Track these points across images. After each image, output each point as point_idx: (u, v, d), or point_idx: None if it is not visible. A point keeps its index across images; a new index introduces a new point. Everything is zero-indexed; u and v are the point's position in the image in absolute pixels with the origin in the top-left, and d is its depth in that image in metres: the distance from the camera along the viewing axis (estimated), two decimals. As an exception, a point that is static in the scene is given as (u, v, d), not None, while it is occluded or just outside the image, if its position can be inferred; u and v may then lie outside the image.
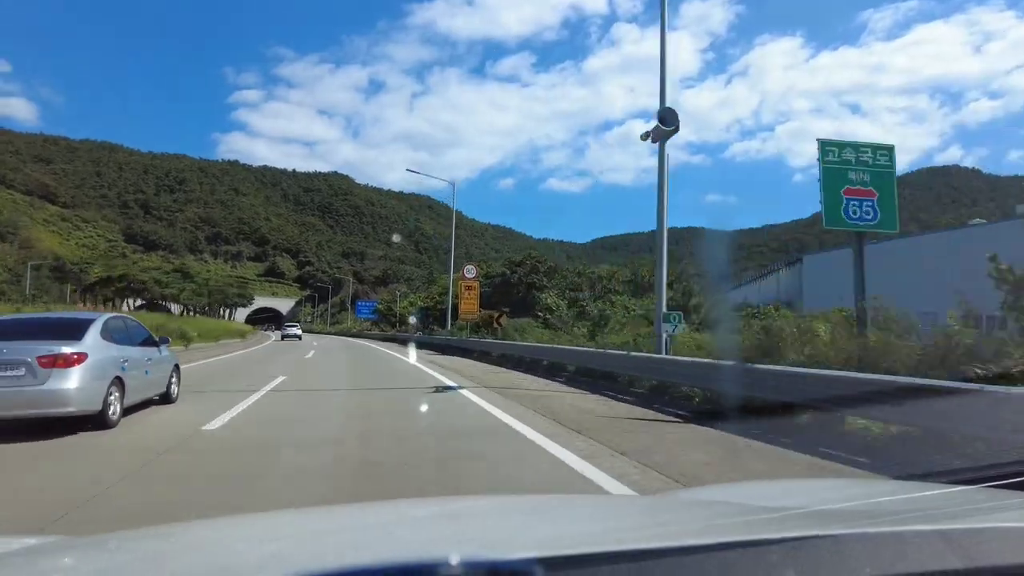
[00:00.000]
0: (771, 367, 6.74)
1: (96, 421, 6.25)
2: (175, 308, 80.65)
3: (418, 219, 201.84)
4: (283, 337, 44.52)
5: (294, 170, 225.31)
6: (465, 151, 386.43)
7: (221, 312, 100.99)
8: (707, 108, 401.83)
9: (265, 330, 67.94)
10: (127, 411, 7.05)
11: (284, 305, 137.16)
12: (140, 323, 8.47)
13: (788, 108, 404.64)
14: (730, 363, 7.27)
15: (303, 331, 54.98)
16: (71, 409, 5.98)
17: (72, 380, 5.96)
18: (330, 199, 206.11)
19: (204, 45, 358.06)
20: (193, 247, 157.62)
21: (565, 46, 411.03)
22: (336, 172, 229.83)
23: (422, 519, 1.61)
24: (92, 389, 6.36)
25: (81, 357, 6.08)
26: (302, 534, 1.43)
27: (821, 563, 0.96)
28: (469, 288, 28.23)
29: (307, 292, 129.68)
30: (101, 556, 1.26)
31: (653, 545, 1.02)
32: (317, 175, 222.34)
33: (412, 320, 44.97)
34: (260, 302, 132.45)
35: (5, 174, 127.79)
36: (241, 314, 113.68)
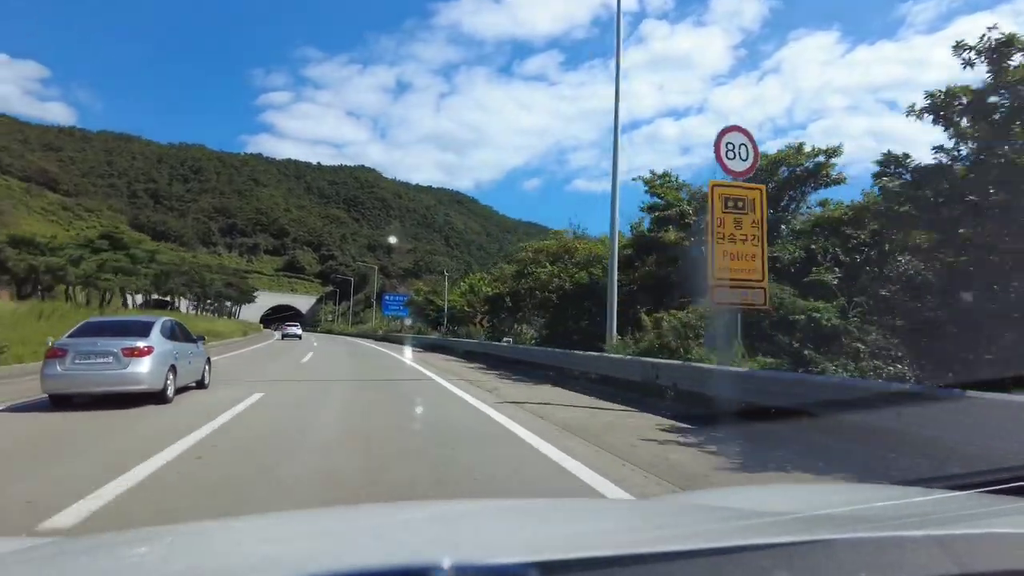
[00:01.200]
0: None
1: (158, 397, 8.96)
2: (183, 305, 78.60)
3: (447, 213, 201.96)
4: (283, 336, 47.72)
5: (319, 163, 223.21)
6: (491, 152, 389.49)
7: (231, 310, 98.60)
8: (738, 106, 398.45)
9: (275, 330, 66.53)
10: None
11: (304, 303, 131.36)
12: (183, 324, 11.01)
13: (822, 105, 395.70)
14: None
15: (322, 331, 60.47)
16: (143, 387, 8.65)
17: (144, 366, 8.64)
18: (356, 192, 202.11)
19: (234, 47, 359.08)
20: (206, 239, 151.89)
21: (594, 44, 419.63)
22: (362, 166, 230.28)
23: (416, 522, 1.64)
24: (157, 373, 9.16)
25: (150, 349, 8.76)
26: (296, 536, 1.46)
27: (815, 568, 0.96)
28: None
29: (329, 288, 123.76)
30: (98, 557, 1.28)
31: (647, 550, 1.03)
32: (343, 168, 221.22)
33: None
34: (277, 299, 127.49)
35: (2, 159, 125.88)
36: (248, 312, 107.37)
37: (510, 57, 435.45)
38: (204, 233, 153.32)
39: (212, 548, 1.35)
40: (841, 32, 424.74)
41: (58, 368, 8.53)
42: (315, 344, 35.74)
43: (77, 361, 8.60)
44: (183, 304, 77.97)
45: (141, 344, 8.90)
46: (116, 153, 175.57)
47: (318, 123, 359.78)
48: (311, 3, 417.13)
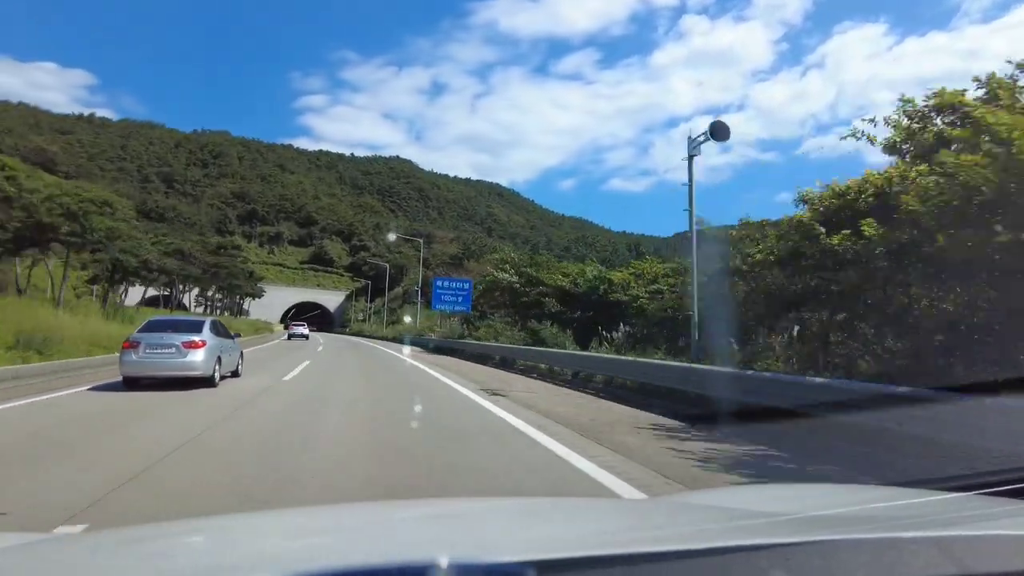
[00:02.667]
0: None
1: (207, 382, 11.79)
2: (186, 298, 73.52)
3: (489, 205, 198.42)
4: (290, 337, 49.51)
5: (352, 154, 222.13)
6: (527, 152, 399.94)
7: (239, 306, 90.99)
8: (779, 103, 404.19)
9: (287, 328, 62.40)
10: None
11: (331, 299, 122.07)
12: (223, 323, 13.50)
13: (868, 101, 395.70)
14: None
15: (351, 333, 59.29)
16: (198, 373, 11.24)
17: (200, 356, 11.10)
18: (391, 182, 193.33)
19: (272, 50, 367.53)
20: (221, 227, 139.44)
21: (631, 41, 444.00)
22: (397, 156, 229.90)
23: (415, 520, 1.69)
24: (208, 362, 12.22)
25: (204, 343, 11.34)
26: (296, 534, 1.51)
27: (813, 569, 0.98)
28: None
29: (360, 283, 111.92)
30: (98, 554, 1.32)
31: (645, 549, 1.05)
32: (377, 159, 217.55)
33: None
34: (300, 295, 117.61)
35: (3, 141, 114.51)
36: (265, 310, 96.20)
37: (546, 56, 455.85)
38: (220, 220, 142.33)
39: (210, 545, 1.42)
40: (889, 24, 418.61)
41: (133, 356, 10.95)
42: (319, 349, 32.29)
43: (147, 351, 11.09)
44: (187, 298, 73.04)
45: (197, 338, 11.42)
46: (133, 138, 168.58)
47: (354, 126, 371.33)
48: (348, 6, 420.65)
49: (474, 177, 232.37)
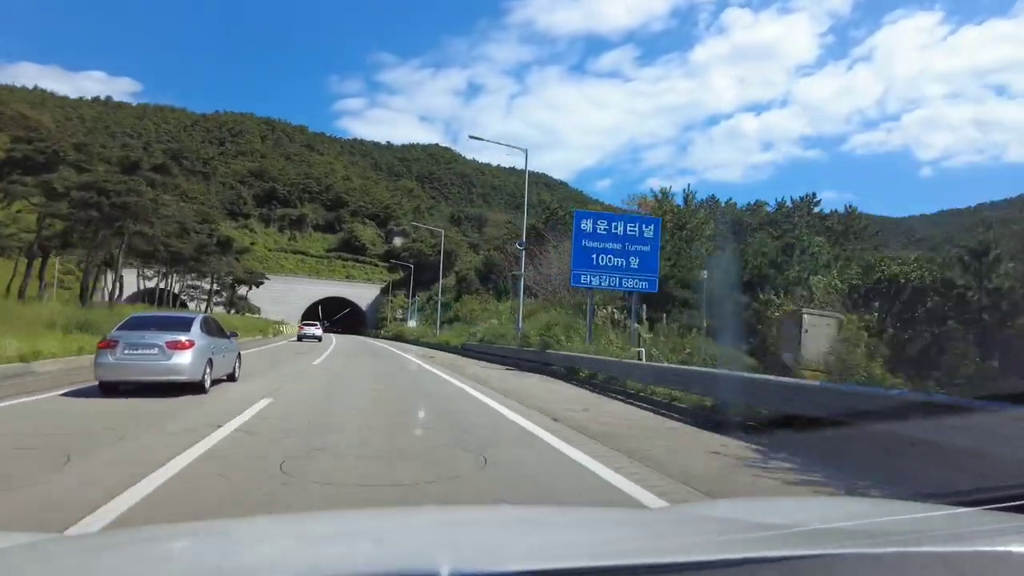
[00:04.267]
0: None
1: (196, 388, 10.07)
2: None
3: (539, 193, 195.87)
4: (300, 338, 46.30)
5: (388, 142, 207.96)
6: (563, 152, 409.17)
7: (238, 295, 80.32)
8: (824, 98, 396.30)
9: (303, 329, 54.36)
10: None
11: (363, 293, 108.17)
12: (219, 320, 12.07)
13: (919, 94, 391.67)
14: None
15: (390, 335, 51.67)
16: (184, 378, 10.15)
17: (186, 358, 9.99)
18: (431, 168, 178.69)
19: (311, 54, 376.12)
20: (234, 209, 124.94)
21: (672, 36, 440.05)
22: (437, 144, 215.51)
23: (418, 527, 1.75)
24: (197, 365, 11.62)
25: (191, 343, 10.21)
26: (298, 539, 1.57)
27: None
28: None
29: (399, 274, 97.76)
30: (101, 555, 1.35)
31: (648, 560, 1.06)
32: (415, 146, 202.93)
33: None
34: (325, 288, 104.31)
35: None
36: (273, 306, 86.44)
37: (583, 54, 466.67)
38: (232, 201, 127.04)
39: (214, 551, 1.45)
40: (945, 12, 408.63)
41: (110, 358, 9.71)
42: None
43: (127, 352, 10.02)
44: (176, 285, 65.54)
45: (183, 338, 10.21)
46: (145, 118, 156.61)
47: (391, 128, 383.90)
48: (386, 8, 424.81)
49: (518, 167, 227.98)
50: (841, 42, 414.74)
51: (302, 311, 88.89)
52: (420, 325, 61.54)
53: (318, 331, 47.77)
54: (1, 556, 1.29)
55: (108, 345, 10.82)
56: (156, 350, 10.81)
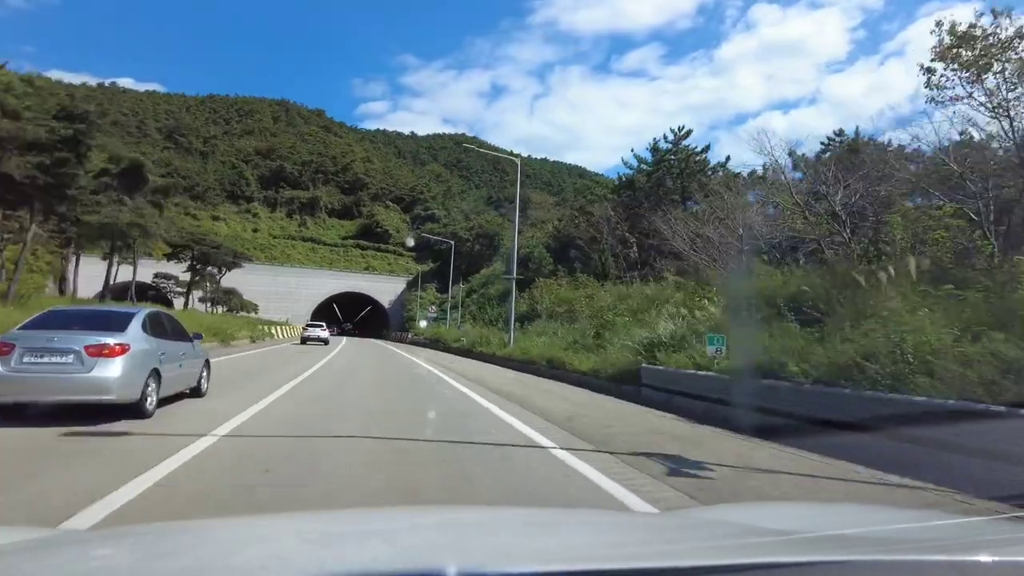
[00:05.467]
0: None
1: (133, 410, 6.86)
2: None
3: (575, 182, 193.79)
4: (303, 340, 41.27)
5: (412, 132, 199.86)
6: (585, 154, 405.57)
7: (234, 301, 67.32)
8: (854, 94, 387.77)
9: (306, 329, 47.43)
10: (161, 402, 7.71)
11: (385, 288, 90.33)
12: (176, 318, 9.05)
13: (953, 91, 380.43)
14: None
15: (422, 336, 43.73)
16: (112, 397, 7.07)
17: (114, 369, 7.26)
18: (459, 155, 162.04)
19: (336, 57, 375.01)
20: (234, 190, 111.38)
21: (698, 34, 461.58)
22: (464, 133, 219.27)
23: (423, 527, 1.75)
24: (131, 379, 8.35)
25: (123, 348, 7.59)
26: (304, 538, 1.56)
27: None
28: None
29: (429, 266, 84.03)
30: (105, 551, 1.34)
31: (655, 564, 1.05)
32: (441, 136, 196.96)
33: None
34: (340, 282, 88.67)
35: None
36: (277, 303, 75.59)
37: (607, 53, 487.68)
38: (232, 181, 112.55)
39: (219, 546, 1.39)
40: (984, 2, 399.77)
41: (1, 369, 6.46)
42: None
43: (27, 360, 7.00)
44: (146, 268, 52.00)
45: (111, 341, 7.32)
46: (145, 101, 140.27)
47: (415, 130, 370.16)
48: (410, 10, 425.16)
49: (550, 158, 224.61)
50: (873, 36, 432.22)
51: (312, 310, 77.64)
52: (475, 325, 43.22)
53: (324, 333, 42.11)
54: None
55: (0, 351, 7.68)
56: (71, 357, 7.71)
